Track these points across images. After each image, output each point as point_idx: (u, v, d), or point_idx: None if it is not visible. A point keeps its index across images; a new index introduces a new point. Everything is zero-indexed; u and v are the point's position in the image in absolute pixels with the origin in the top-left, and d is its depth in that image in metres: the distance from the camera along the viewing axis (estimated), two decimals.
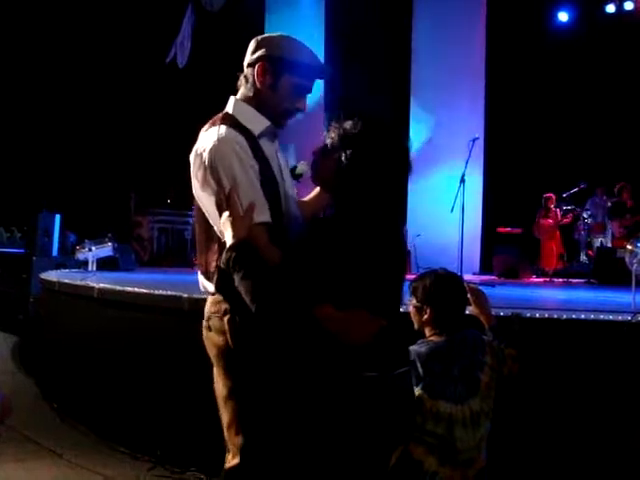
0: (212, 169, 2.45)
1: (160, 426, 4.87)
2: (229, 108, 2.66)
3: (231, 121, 2.56)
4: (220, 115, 2.63)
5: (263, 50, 2.60)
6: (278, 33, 2.70)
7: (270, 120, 2.63)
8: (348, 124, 2.35)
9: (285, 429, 2.35)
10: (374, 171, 2.33)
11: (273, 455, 2.37)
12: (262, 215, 2.40)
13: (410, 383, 2.53)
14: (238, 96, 2.69)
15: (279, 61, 2.57)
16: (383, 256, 2.32)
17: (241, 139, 2.48)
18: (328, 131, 2.40)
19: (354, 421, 2.25)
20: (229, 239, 2.30)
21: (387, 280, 2.35)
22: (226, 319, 2.47)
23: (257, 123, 2.59)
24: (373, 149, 2.33)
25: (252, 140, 2.53)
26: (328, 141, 2.38)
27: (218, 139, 2.48)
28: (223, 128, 2.51)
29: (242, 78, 2.68)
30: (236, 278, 2.21)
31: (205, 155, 2.48)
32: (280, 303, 2.18)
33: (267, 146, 2.61)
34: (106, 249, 9.80)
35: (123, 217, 12.31)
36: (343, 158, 2.32)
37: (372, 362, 2.27)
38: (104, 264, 9.58)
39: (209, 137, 2.51)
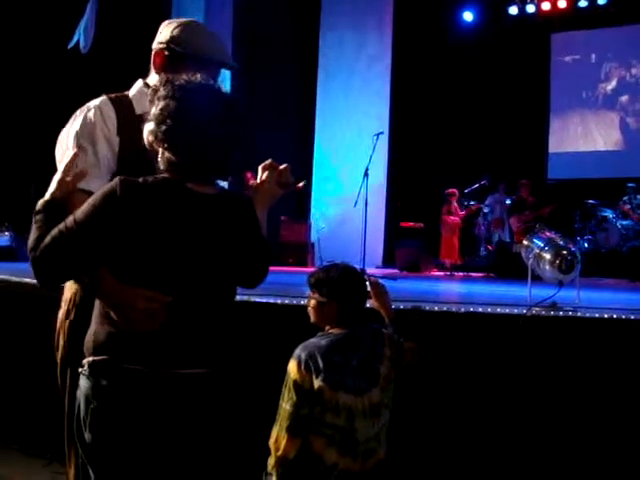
0: (70, 129, 2.50)
1: (55, 422, 4.74)
2: (132, 88, 2.68)
3: (119, 96, 2.57)
4: None
5: (163, 37, 2.58)
6: (184, 19, 2.67)
7: None
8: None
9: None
10: (187, 127, 2.10)
11: None
12: (92, 184, 2.31)
13: (206, 390, 2.17)
14: (147, 78, 2.67)
15: (175, 50, 2.55)
16: (184, 232, 2.09)
17: (110, 111, 2.48)
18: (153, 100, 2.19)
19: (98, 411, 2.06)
20: (47, 194, 2.20)
21: (181, 263, 2.09)
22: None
23: (143, 103, 2.50)
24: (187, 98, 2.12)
25: (129, 117, 2.49)
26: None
27: (87, 105, 2.51)
28: (101, 98, 2.53)
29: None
30: (32, 229, 2.12)
31: (72, 117, 2.52)
32: (52, 254, 2.04)
33: None
34: (3, 239, 9.49)
35: (22, 206, 11.93)
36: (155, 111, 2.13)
37: (143, 353, 2.05)
38: (0, 254, 9.27)
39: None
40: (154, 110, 2.14)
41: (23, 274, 5.64)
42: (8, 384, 5.19)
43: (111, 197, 2.03)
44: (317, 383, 2.75)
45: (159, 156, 2.17)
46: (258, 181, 2.40)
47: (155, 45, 2.62)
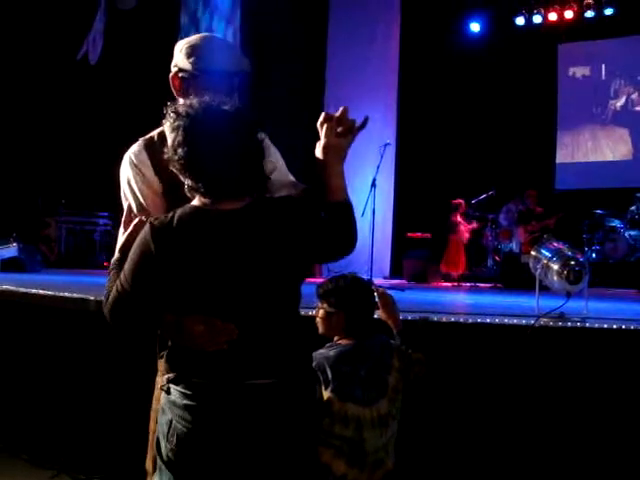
0: (121, 185, 2.57)
1: (64, 433, 4.75)
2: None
3: (152, 137, 2.60)
4: None
5: (175, 59, 2.61)
6: (193, 37, 2.66)
7: None
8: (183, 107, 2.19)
9: None
10: (209, 155, 2.13)
11: None
12: None
13: (275, 399, 2.17)
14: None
15: (188, 71, 2.56)
16: (223, 256, 2.12)
17: (143, 157, 2.53)
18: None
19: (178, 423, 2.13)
20: (117, 252, 2.33)
21: (230, 284, 2.13)
22: None
23: None
24: (205, 123, 2.14)
25: (163, 154, 2.50)
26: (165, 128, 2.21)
27: (125, 156, 2.57)
28: (135, 145, 2.58)
29: None
30: (106, 284, 2.24)
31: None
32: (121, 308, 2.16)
33: None
34: (11, 250, 9.50)
35: (30, 217, 11.96)
36: (174, 137, 2.16)
37: (212, 368, 2.13)
38: (8, 265, 9.28)
39: None
40: (168, 142, 2.18)
41: (30, 285, 5.66)
42: (18, 394, 5.20)
43: (146, 252, 2.12)
44: (326, 394, 2.76)
45: (185, 184, 2.21)
46: (320, 141, 2.32)
47: (171, 68, 2.64)
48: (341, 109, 2.33)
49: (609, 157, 13.73)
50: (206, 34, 2.74)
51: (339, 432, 2.77)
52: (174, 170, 2.20)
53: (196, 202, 2.19)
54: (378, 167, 9.13)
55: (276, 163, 2.69)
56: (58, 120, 11.67)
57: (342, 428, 2.78)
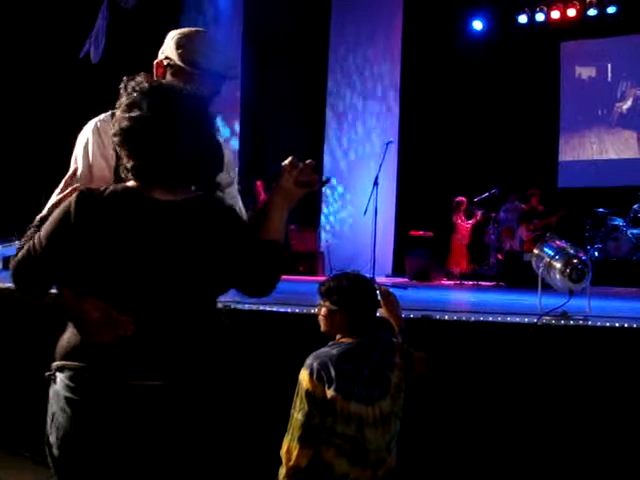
0: (75, 147, 2.53)
1: None
2: None
3: None
4: None
5: (164, 47, 2.57)
6: (187, 29, 2.62)
7: None
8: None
9: None
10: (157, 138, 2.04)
11: None
12: None
13: (160, 402, 2.05)
14: None
15: (174, 61, 2.53)
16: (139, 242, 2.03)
17: (107, 127, 2.44)
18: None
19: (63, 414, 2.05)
20: (44, 210, 2.25)
21: (140, 275, 2.03)
22: None
23: None
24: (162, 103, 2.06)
25: None
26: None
27: (90, 122, 2.54)
28: (104, 114, 2.54)
29: None
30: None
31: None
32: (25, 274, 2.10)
33: None
34: (13, 248, 9.47)
35: (32, 215, 11.94)
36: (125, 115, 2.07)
37: (100, 363, 2.02)
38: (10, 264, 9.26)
39: None
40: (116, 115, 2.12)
41: None
42: (20, 392, 5.20)
43: (65, 218, 2.04)
44: (329, 393, 2.75)
45: (122, 161, 2.12)
46: (278, 181, 2.29)
47: (159, 55, 2.61)
48: (308, 161, 2.31)
49: (612, 155, 13.71)
50: (201, 29, 2.69)
51: (341, 431, 2.76)
52: (115, 145, 2.13)
53: (131, 183, 2.11)
54: (380, 165, 9.12)
55: (233, 180, 2.68)
56: (60, 118, 11.64)
57: (344, 427, 2.77)
